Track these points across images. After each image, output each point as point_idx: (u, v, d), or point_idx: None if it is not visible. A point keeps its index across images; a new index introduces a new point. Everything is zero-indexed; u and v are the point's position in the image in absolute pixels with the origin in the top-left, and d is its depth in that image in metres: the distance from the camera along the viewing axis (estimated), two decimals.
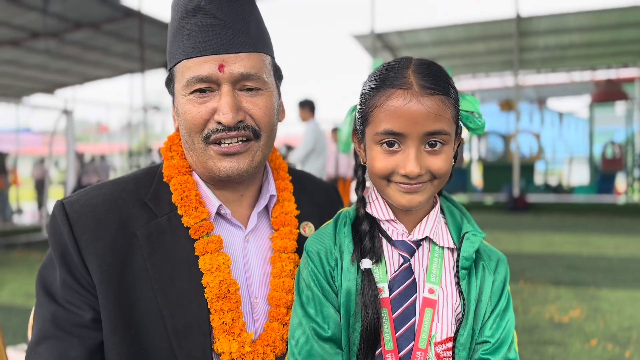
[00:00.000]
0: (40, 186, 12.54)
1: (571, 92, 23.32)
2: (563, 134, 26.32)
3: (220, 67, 0.96)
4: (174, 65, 1.02)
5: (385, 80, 0.93)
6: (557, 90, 23.15)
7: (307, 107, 6.31)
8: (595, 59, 16.90)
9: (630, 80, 18.06)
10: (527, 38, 14.22)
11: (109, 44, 14.15)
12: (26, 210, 15.92)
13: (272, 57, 1.08)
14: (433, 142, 0.91)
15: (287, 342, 1.03)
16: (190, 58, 0.97)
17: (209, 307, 0.98)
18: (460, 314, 0.97)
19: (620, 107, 23.94)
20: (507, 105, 18.51)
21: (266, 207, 1.15)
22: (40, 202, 11.42)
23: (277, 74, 1.10)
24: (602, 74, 18.68)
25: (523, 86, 20.22)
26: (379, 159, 0.94)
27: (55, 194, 16.78)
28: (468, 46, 15.27)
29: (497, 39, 14.47)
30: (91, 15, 12.14)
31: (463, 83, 20.38)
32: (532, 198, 14.83)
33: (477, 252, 1.02)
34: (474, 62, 17.28)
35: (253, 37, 1.01)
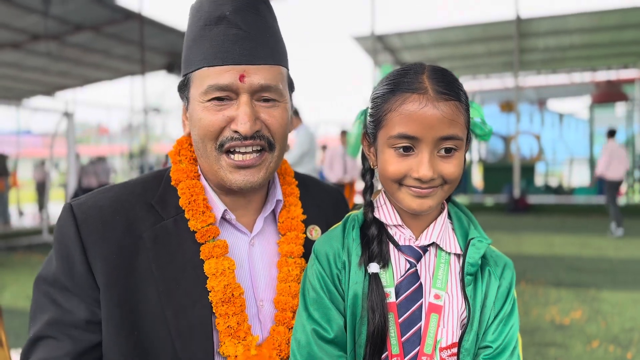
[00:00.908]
0: (41, 188, 12.54)
1: (571, 93, 23.30)
2: (563, 135, 26.28)
3: (241, 77, 0.97)
4: (192, 71, 1.02)
5: (399, 84, 0.93)
6: (558, 92, 23.14)
7: (294, 114, 6.35)
8: (595, 60, 16.91)
9: (631, 82, 18.06)
10: (527, 39, 14.23)
11: (110, 46, 14.16)
12: (27, 212, 15.93)
13: (288, 69, 1.09)
14: (446, 147, 0.92)
15: None
16: (212, 66, 0.98)
17: (213, 311, 0.98)
18: (466, 320, 0.97)
19: (620, 108, 23.93)
20: (508, 106, 18.51)
21: (273, 212, 1.16)
22: (41, 205, 11.42)
23: (290, 86, 1.11)
24: (603, 75, 18.69)
25: (523, 87, 20.22)
26: (392, 163, 0.94)
27: (56, 197, 16.80)
28: (468, 48, 15.28)
29: (498, 41, 14.48)
30: (92, 18, 12.14)
31: (463, 85, 20.36)
32: (533, 199, 14.83)
33: (484, 257, 1.02)
34: (474, 63, 17.30)
35: (273, 49, 1.02)
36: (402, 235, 1.01)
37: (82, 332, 0.96)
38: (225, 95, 0.98)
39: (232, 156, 1.00)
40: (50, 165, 12.02)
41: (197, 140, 1.03)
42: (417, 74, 0.94)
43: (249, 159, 1.00)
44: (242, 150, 1.00)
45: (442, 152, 0.92)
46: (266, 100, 1.01)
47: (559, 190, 17.27)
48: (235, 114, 0.98)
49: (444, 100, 0.90)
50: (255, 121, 0.98)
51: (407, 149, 0.92)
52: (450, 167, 0.92)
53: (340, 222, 1.08)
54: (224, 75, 0.97)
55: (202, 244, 1.02)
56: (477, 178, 18.73)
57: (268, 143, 1.01)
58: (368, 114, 1.02)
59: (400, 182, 0.95)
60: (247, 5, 1.00)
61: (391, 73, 0.99)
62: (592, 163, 17.27)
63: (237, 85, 0.97)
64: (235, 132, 0.98)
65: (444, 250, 1.01)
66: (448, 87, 0.91)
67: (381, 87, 0.98)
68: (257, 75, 0.98)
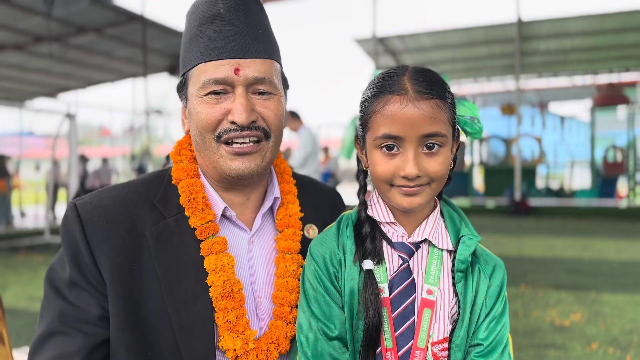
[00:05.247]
0: (55, 189, 12.44)
1: (573, 96, 23.32)
2: (565, 138, 26.29)
3: (236, 70, 1.01)
4: (189, 70, 1.06)
5: (382, 87, 0.97)
6: (559, 94, 23.16)
7: (294, 117, 6.39)
8: (597, 63, 16.91)
9: (632, 84, 18.09)
10: (529, 42, 14.25)
11: (112, 48, 14.22)
12: (29, 213, 15.96)
13: (281, 66, 1.13)
14: (430, 144, 0.95)
15: (290, 340, 1.06)
16: (208, 62, 1.02)
17: (213, 305, 1.01)
18: (456, 315, 1.00)
19: (621, 111, 23.93)
20: (509, 109, 18.54)
21: (271, 210, 1.18)
22: (53, 205, 11.40)
23: (284, 82, 1.14)
24: (604, 78, 18.69)
25: (525, 90, 20.24)
26: (380, 163, 0.97)
27: (63, 197, 16.83)
28: (470, 50, 15.31)
29: (499, 43, 14.50)
30: (94, 20, 12.20)
31: (464, 87, 20.40)
32: (534, 202, 14.84)
33: (475, 255, 1.05)
34: (476, 66, 17.31)
35: (266, 44, 1.06)
36: (395, 232, 1.04)
37: (93, 327, 0.99)
38: (221, 89, 1.02)
39: (231, 145, 1.04)
40: (63, 166, 12.01)
41: (195, 135, 1.06)
42: (399, 75, 0.97)
43: (247, 146, 1.03)
44: (240, 140, 1.03)
45: (427, 149, 0.95)
46: (261, 93, 1.04)
47: (560, 193, 17.26)
48: (232, 106, 1.01)
49: (424, 99, 0.93)
50: (251, 112, 1.02)
51: (390, 148, 0.95)
52: (435, 165, 0.95)
53: (334, 222, 1.11)
54: (220, 69, 1.01)
55: (202, 241, 1.05)
56: (478, 181, 18.73)
57: (264, 133, 1.05)
58: (358, 118, 1.05)
59: (390, 182, 0.98)
60: (239, 3, 1.05)
61: (376, 77, 1.02)
62: (594, 166, 17.26)
63: (233, 79, 1.01)
64: (233, 123, 1.01)
65: (436, 247, 1.03)
66: (428, 87, 0.94)
67: (367, 91, 1.02)
68: (251, 68, 1.02)
